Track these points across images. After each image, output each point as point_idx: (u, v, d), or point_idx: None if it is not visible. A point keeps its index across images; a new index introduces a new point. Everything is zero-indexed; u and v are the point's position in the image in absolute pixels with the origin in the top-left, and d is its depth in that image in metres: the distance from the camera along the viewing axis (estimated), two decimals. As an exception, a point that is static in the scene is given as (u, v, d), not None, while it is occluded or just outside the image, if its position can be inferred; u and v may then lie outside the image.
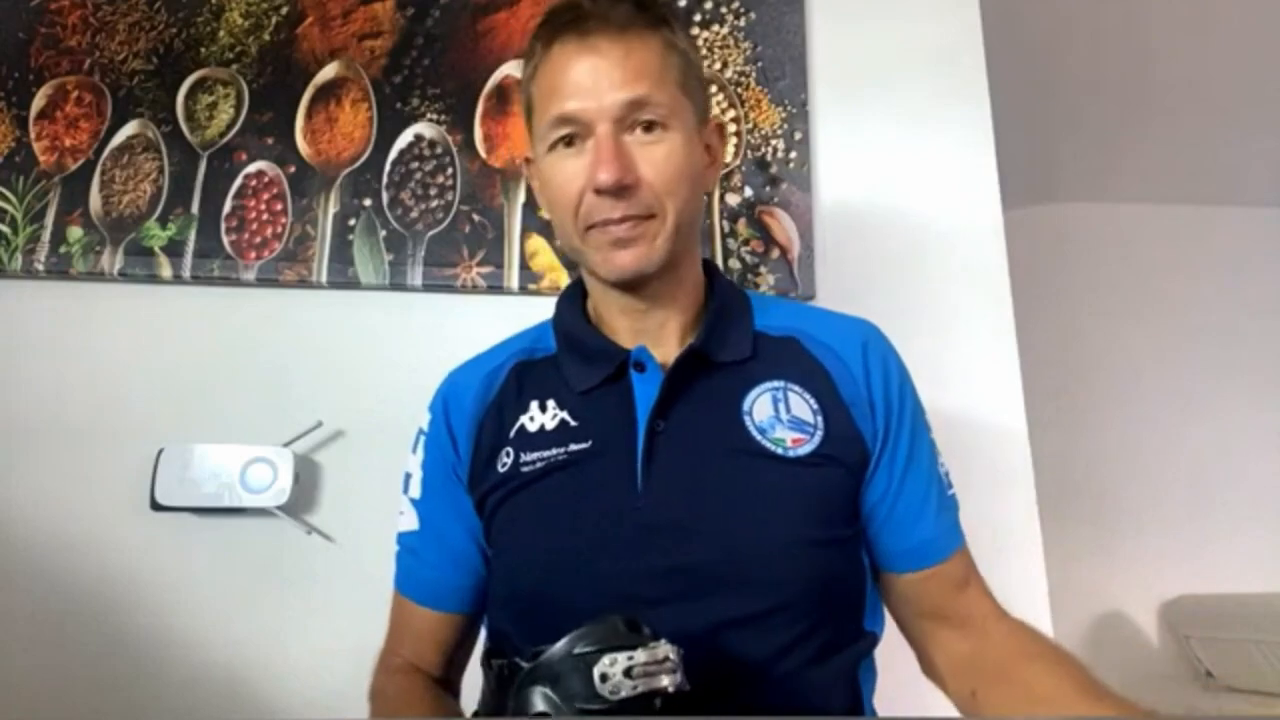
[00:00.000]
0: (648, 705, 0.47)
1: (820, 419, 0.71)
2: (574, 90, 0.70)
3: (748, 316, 0.79)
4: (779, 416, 0.71)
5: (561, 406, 0.74)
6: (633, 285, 0.74)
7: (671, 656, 0.49)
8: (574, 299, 0.82)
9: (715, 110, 1.28)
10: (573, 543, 0.68)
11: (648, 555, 0.65)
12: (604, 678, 0.47)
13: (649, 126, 0.71)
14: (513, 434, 0.75)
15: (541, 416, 0.74)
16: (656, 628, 0.52)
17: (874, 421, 0.73)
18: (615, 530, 0.66)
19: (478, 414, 0.78)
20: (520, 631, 0.69)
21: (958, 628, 0.72)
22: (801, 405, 0.72)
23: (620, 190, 0.69)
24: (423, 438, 0.81)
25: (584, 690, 0.48)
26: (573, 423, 0.72)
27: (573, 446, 0.71)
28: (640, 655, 0.48)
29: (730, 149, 1.28)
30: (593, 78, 0.70)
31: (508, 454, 0.73)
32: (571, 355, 0.77)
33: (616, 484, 0.68)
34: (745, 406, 0.71)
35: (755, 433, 0.70)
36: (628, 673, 0.47)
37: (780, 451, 0.69)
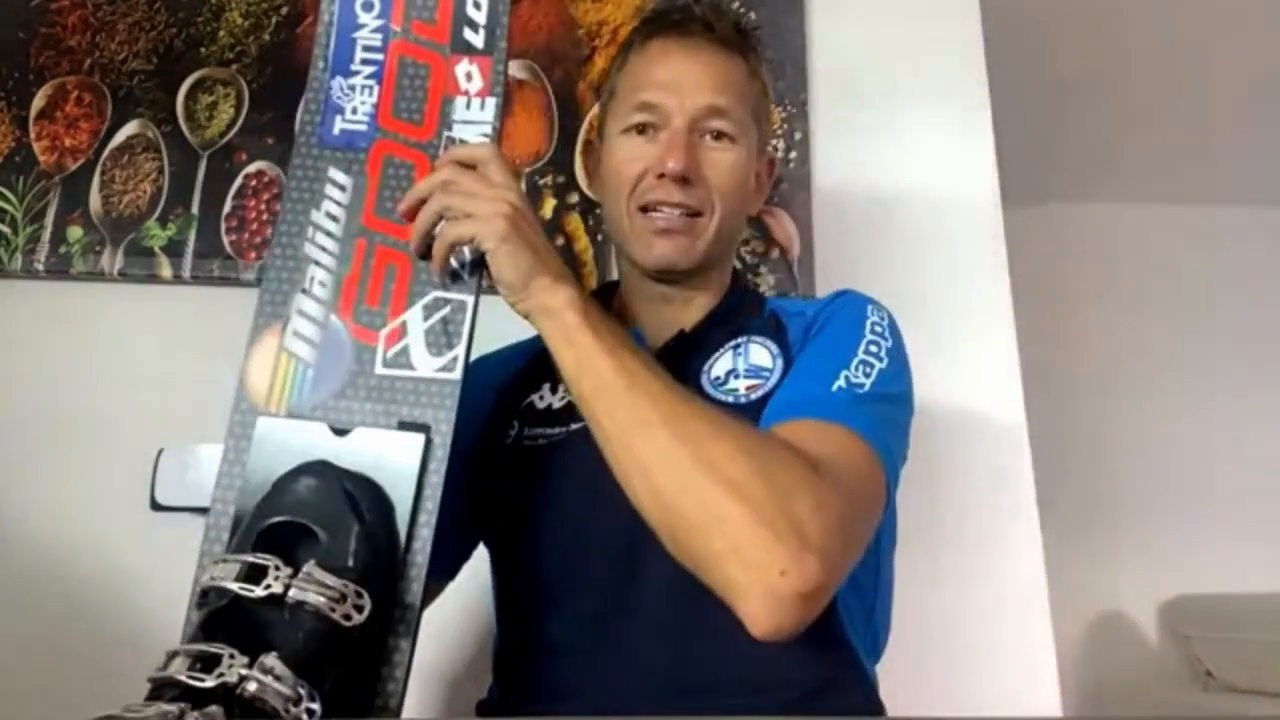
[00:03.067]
0: None
1: (779, 362, 0.73)
2: (662, 82, 0.77)
3: (756, 310, 0.81)
4: (736, 370, 0.73)
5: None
6: (666, 276, 0.78)
7: None
8: (603, 295, 0.86)
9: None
10: (571, 532, 0.71)
11: (624, 521, 0.61)
12: None
13: (719, 135, 0.77)
14: (522, 407, 0.79)
15: (550, 397, 0.78)
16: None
17: (803, 338, 0.74)
18: (600, 509, 0.65)
19: (497, 382, 0.82)
20: (539, 610, 0.72)
21: None
22: (761, 353, 0.74)
23: (682, 180, 0.74)
24: None
25: None
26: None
27: (573, 425, 0.73)
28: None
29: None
30: (682, 75, 0.76)
31: (514, 426, 0.78)
32: None
33: (598, 461, 0.64)
34: (705, 368, 0.74)
35: (710, 388, 0.72)
36: None
37: (732, 400, 0.70)
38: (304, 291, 0.66)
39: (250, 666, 0.43)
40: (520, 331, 0.85)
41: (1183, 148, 2.47)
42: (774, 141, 1.29)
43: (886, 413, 0.67)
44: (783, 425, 0.63)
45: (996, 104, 1.34)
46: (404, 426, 0.60)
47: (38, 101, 1.24)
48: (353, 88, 0.71)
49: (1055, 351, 2.53)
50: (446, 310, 0.65)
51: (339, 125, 0.71)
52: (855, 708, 0.67)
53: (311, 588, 0.48)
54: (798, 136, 1.29)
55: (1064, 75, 2.18)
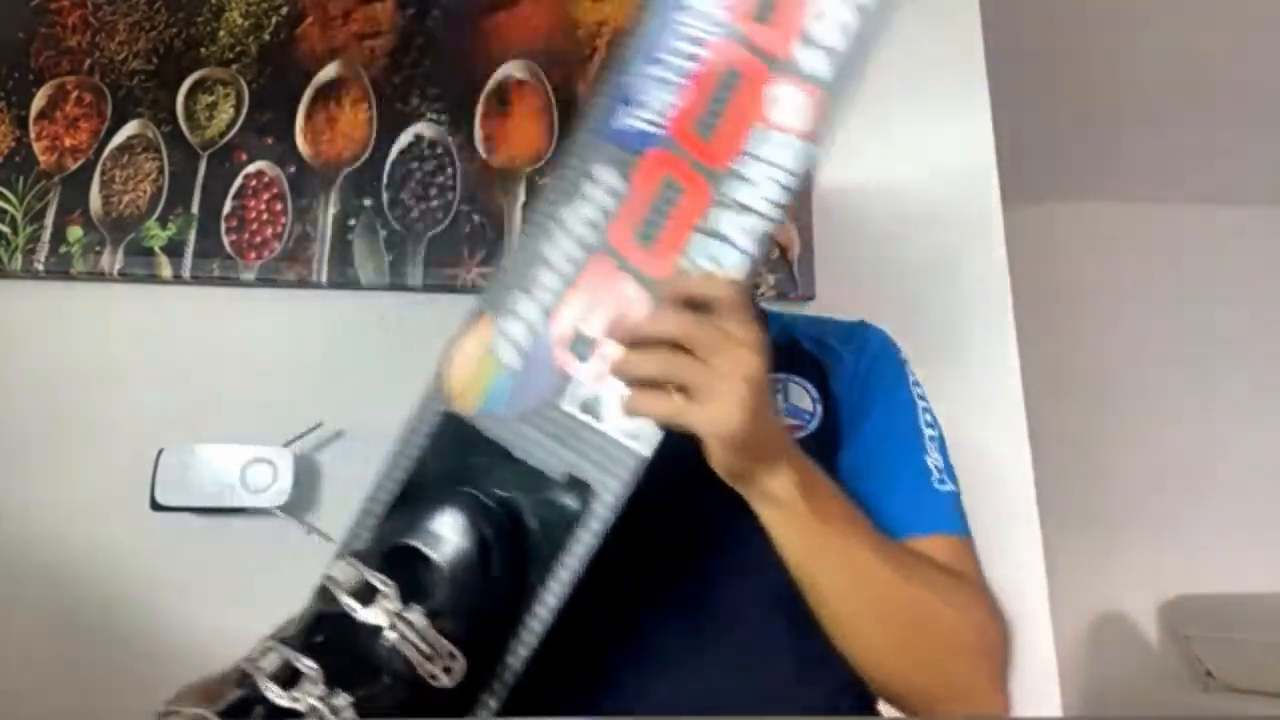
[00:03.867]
0: None
1: (819, 406, 0.72)
2: None
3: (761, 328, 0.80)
4: (775, 408, 0.71)
5: None
6: None
7: None
8: None
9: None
10: None
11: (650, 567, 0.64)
12: None
13: None
14: None
15: None
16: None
17: (851, 395, 0.74)
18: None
19: None
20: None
21: None
22: (800, 394, 0.73)
23: None
24: None
25: None
26: None
27: None
28: None
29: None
30: None
31: None
32: None
33: None
34: None
35: None
36: None
37: None
38: (525, 291, 0.57)
39: (325, 698, 0.43)
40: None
41: (1183, 148, 2.47)
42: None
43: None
44: (919, 542, 0.66)
45: (996, 104, 1.34)
46: (571, 483, 0.54)
47: (38, 101, 1.24)
48: (654, 78, 0.58)
49: (1055, 351, 2.53)
50: None
51: (624, 118, 0.58)
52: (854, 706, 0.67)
53: (410, 636, 0.47)
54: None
55: (1064, 75, 2.18)
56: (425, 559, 0.51)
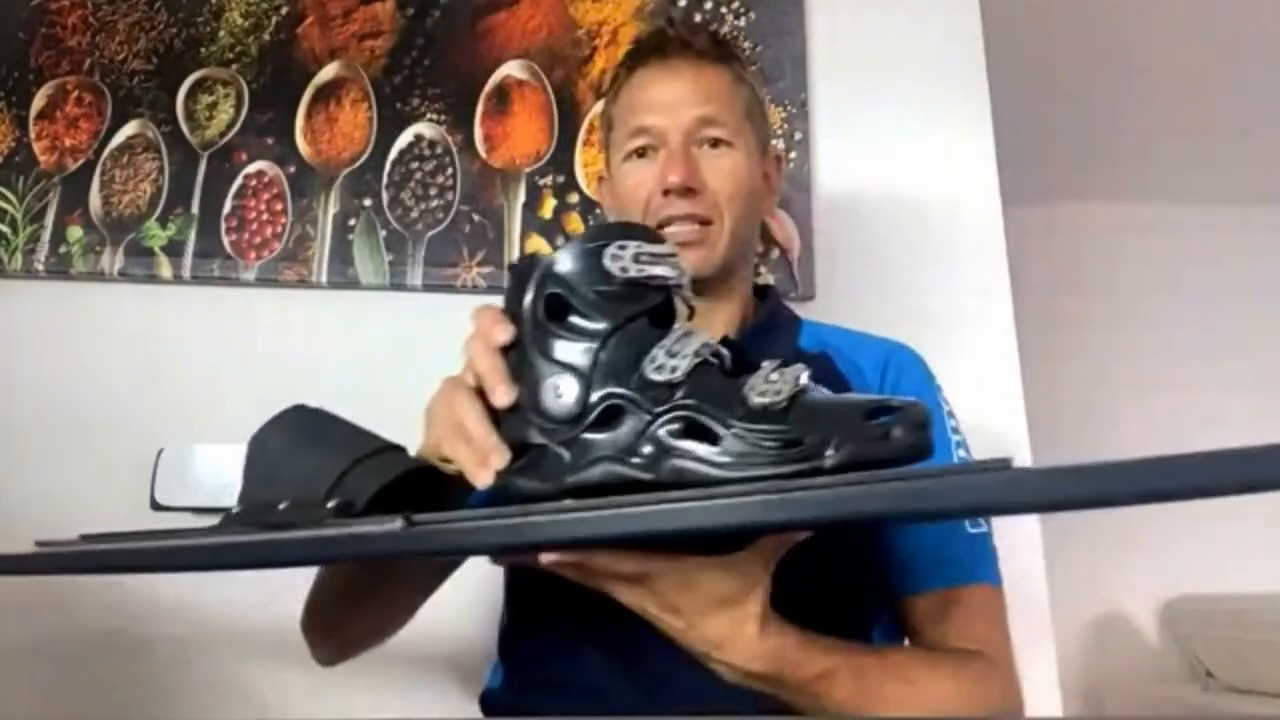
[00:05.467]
0: (648, 293, 0.50)
1: None
2: (652, 106, 0.80)
3: (792, 334, 0.82)
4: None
5: None
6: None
7: (676, 253, 0.51)
8: None
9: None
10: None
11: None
12: (614, 257, 0.49)
13: (715, 143, 0.79)
14: None
15: None
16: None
17: None
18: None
19: None
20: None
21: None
22: None
23: (686, 191, 0.76)
24: None
25: (595, 273, 0.50)
26: None
27: None
28: (647, 246, 0.50)
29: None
30: (670, 96, 0.79)
31: None
32: None
33: None
34: None
35: None
36: (635, 258, 0.50)
37: None
38: None
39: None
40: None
41: (1183, 148, 2.47)
42: (774, 141, 1.29)
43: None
44: (951, 593, 0.69)
45: (996, 104, 1.34)
46: None
47: (38, 101, 1.24)
48: None
49: (1056, 350, 2.53)
50: None
51: None
52: None
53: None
54: (798, 136, 1.29)
55: (1064, 75, 2.18)
56: None
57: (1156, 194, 2.69)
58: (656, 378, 0.47)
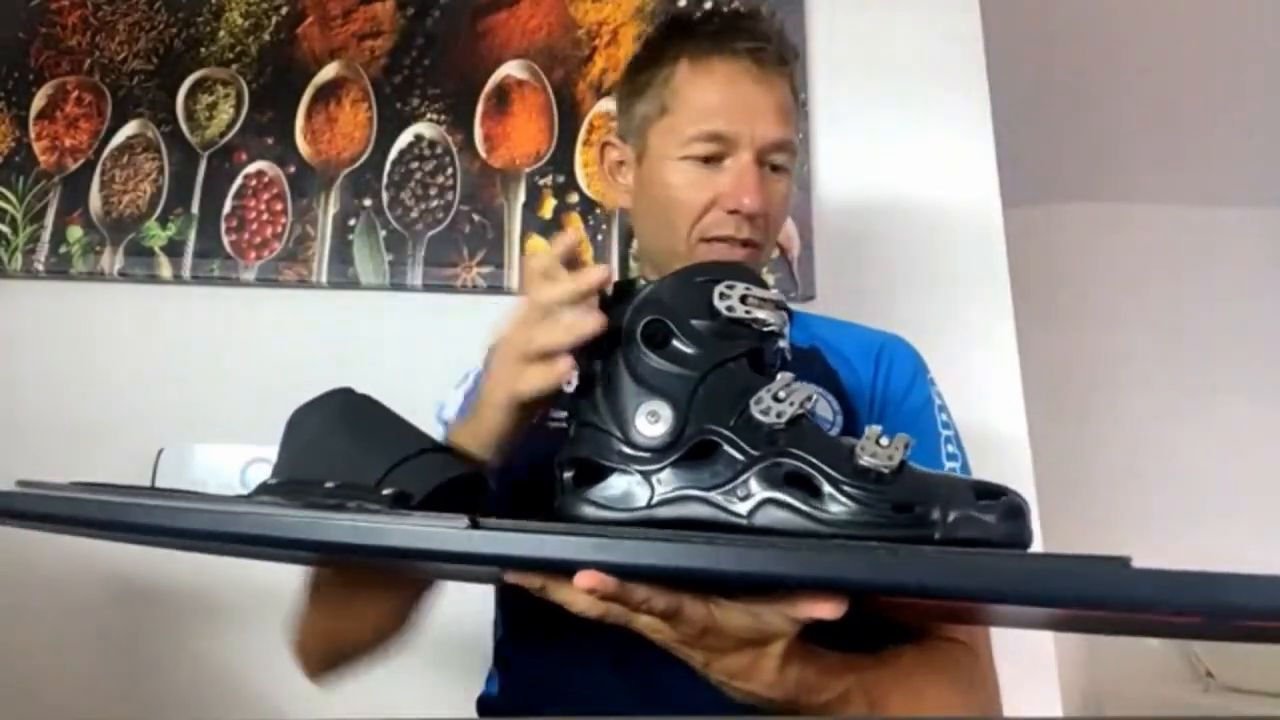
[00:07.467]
0: (748, 335, 0.50)
1: (839, 418, 0.73)
2: (732, 112, 0.73)
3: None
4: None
5: None
6: None
7: (783, 301, 0.51)
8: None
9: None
10: None
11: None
12: (723, 295, 0.49)
13: (776, 168, 0.75)
14: None
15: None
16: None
17: (871, 415, 0.74)
18: None
19: None
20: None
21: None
22: (824, 406, 0.73)
23: (753, 217, 0.73)
24: (473, 374, 0.82)
25: (701, 307, 0.50)
26: None
27: None
28: (755, 290, 0.50)
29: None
30: (755, 107, 0.74)
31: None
32: None
33: None
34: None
35: None
36: (742, 299, 0.49)
37: None
38: None
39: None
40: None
41: (1183, 148, 2.47)
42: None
43: None
44: None
45: (996, 104, 1.34)
46: None
47: (38, 101, 1.24)
48: None
49: (1055, 350, 2.53)
50: None
51: None
52: None
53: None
54: (798, 136, 1.29)
55: (1064, 75, 2.18)
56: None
57: (1156, 194, 2.69)
58: (762, 420, 0.46)
